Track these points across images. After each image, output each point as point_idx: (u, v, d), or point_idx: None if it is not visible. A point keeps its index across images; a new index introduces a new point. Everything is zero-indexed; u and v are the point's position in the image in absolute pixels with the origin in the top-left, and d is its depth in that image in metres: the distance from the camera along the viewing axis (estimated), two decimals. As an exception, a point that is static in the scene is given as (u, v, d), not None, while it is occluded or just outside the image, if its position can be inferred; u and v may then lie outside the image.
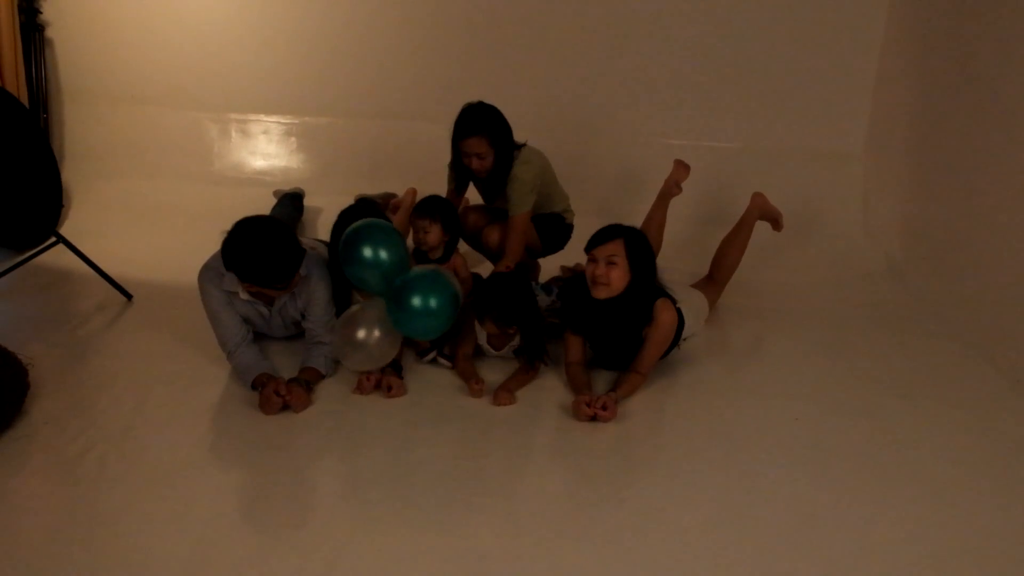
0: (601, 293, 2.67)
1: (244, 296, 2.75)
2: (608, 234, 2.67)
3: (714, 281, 3.37)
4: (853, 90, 4.26)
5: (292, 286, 2.73)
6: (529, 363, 2.84)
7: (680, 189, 3.55)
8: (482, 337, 2.93)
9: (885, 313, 3.51)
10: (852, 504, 2.24)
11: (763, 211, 3.51)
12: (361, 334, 2.66)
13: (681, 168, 3.58)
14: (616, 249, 2.64)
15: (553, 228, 3.52)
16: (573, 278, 2.82)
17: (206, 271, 2.76)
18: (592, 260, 2.67)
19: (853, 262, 4.00)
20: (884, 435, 2.58)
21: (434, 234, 3.08)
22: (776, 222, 3.55)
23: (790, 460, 2.43)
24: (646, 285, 2.70)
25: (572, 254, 3.48)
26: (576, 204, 3.62)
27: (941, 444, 2.54)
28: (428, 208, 3.10)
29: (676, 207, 3.54)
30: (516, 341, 2.91)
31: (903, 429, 2.62)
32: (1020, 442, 2.56)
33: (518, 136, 3.27)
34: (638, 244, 2.69)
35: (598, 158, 4.32)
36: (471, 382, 2.73)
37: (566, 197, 3.56)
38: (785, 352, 3.13)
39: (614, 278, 2.64)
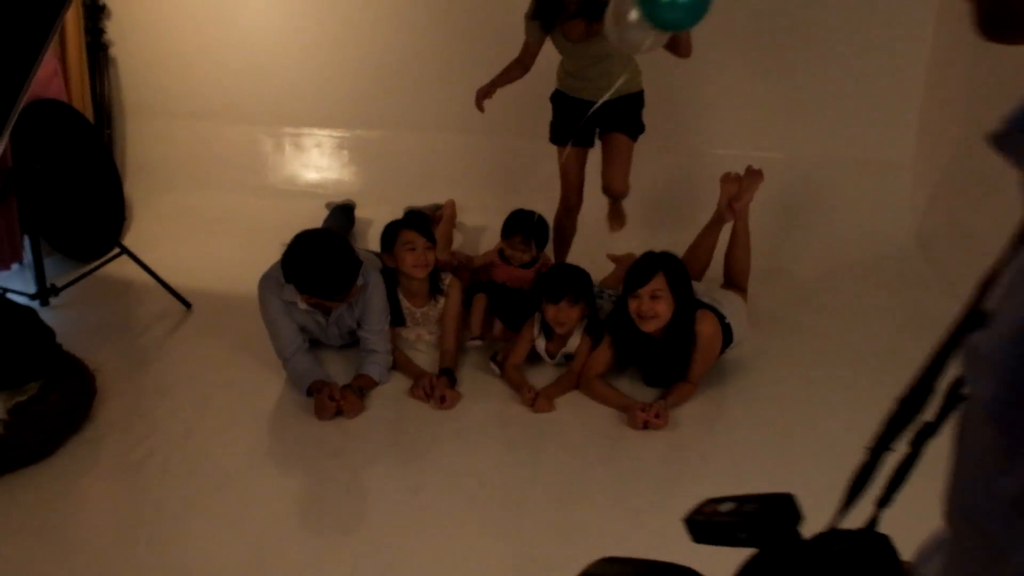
0: (650, 327, 2.69)
1: (303, 306, 2.82)
2: (648, 270, 2.68)
3: (735, 288, 3.32)
4: (902, 98, 4.21)
5: (350, 297, 2.80)
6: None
7: (733, 213, 3.30)
8: (540, 345, 2.97)
9: (940, 324, 3.45)
10: (906, 521, 2.22)
11: (742, 208, 3.34)
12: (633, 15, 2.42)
13: (729, 183, 3.35)
14: (658, 283, 2.66)
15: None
16: (617, 312, 2.84)
17: (266, 280, 2.84)
18: (635, 297, 2.68)
19: (905, 273, 3.95)
20: (939, 449, 2.55)
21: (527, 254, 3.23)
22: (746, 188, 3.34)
23: (841, 472, 2.42)
24: (688, 306, 2.72)
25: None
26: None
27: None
28: (524, 231, 3.20)
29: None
30: (570, 344, 2.93)
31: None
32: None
33: None
34: (676, 270, 2.72)
35: (642, 168, 4.33)
36: (523, 390, 2.76)
37: None
38: (837, 363, 3.10)
39: (661, 311, 2.67)
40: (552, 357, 2.98)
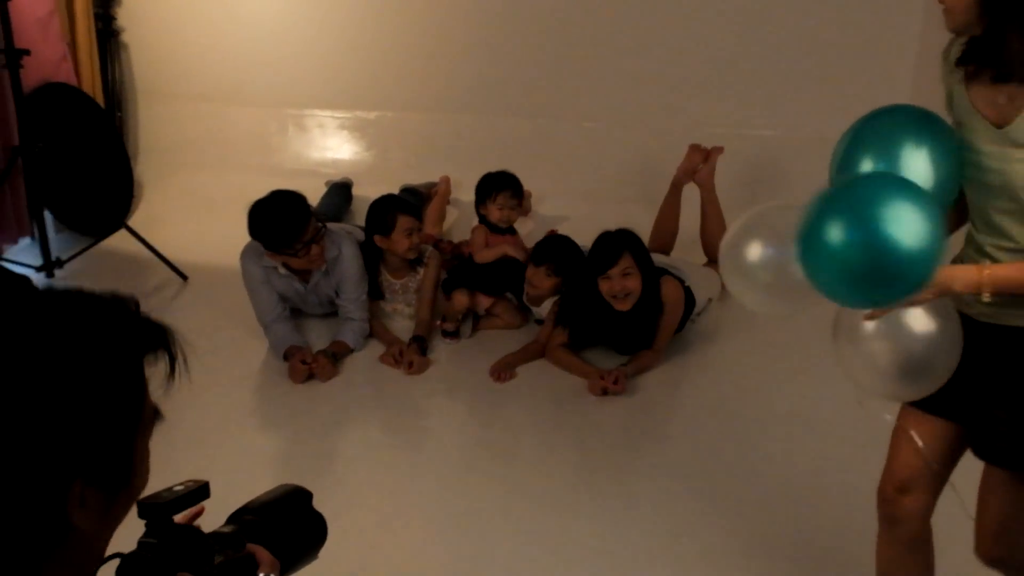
0: (626, 304, 2.72)
1: (282, 271, 2.95)
2: (614, 250, 2.71)
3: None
4: (893, 74, 4.20)
5: (313, 259, 2.88)
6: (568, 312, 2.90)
7: (689, 178, 3.43)
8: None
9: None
10: (848, 485, 2.28)
11: (705, 180, 3.44)
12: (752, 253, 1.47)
13: (695, 154, 3.45)
14: (627, 261, 2.70)
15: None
16: (568, 301, 2.87)
17: (248, 250, 2.98)
18: (607, 278, 2.71)
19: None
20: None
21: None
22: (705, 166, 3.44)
23: (792, 442, 2.47)
24: (653, 276, 2.78)
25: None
26: (611, 192, 3.68)
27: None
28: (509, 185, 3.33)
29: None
30: (544, 308, 3.02)
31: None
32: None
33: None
34: (638, 245, 2.77)
35: (635, 148, 4.38)
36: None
37: None
38: (800, 335, 3.11)
39: (633, 287, 2.71)
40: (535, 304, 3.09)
